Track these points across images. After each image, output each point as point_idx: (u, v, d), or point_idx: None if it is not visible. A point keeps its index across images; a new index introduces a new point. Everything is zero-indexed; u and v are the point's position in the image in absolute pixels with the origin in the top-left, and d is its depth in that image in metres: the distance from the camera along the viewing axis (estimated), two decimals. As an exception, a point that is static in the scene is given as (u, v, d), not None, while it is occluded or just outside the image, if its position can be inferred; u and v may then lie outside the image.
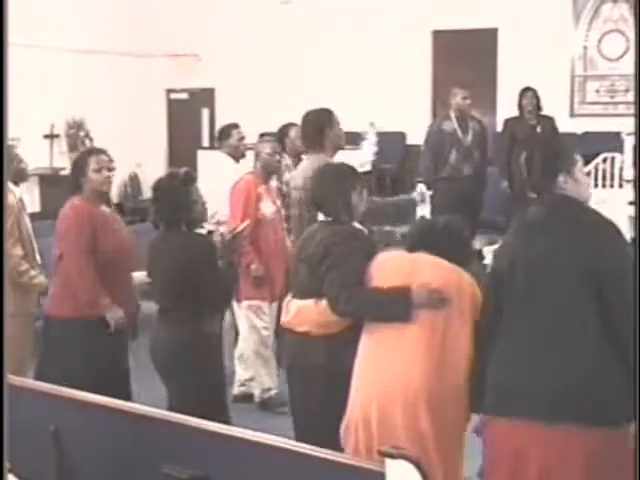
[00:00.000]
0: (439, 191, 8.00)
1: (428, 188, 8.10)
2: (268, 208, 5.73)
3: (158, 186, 4.33)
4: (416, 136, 9.31)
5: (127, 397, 4.25)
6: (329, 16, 12.43)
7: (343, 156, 5.20)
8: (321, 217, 3.92)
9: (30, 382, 3.07)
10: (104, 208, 4.64)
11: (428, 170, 8.10)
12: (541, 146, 3.32)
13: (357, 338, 3.51)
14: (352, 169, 3.96)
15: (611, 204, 7.83)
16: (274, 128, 6.73)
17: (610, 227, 3.08)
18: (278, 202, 5.87)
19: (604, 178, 9.35)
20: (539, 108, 8.64)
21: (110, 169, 4.61)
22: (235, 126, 6.76)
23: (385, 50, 12.06)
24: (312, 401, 3.73)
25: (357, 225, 3.84)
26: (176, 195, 4.21)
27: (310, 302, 3.69)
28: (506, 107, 9.92)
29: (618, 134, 9.80)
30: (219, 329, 5.80)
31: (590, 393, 2.94)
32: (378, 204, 5.49)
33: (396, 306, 3.40)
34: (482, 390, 3.15)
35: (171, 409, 3.61)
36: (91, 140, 11.95)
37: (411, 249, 3.61)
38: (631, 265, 3.00)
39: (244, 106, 11.76)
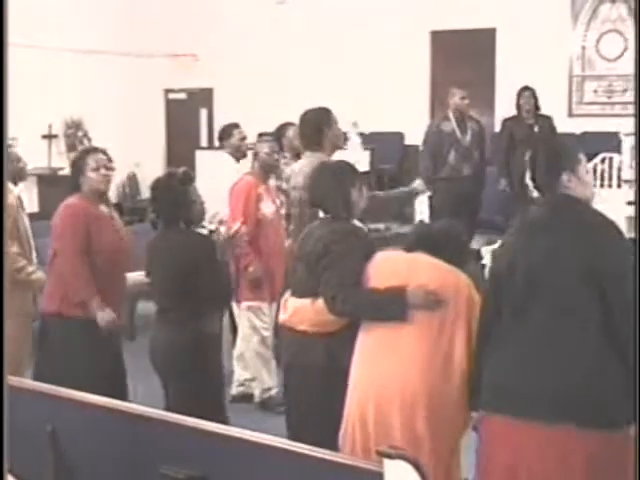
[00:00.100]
0: (438, 191, 8.00)
1: (428, 188, 8.11)
2: (268, 208, 5.73)
3: (156, 186, 4.33)
4: (414, 136, 9.33)
5: (122, 396, 4.25)
6: (327, 16, 12.43)
7: (340, 156, 5.20)
8: (321, 214, 3.92)
9: (27, 382, 3.06)
10: (102, 207, 4.64)
11: (428, 170, 8.10)
12: (545, 144, 3.32)
13: (355, 337, 3.52)
14: (351, 166, 3.96)
15: (609, 204, 7.84)
16: (272, 128, 6.73)
17: (612, 228, 3.08)
18: (278, 201, 5.87)
19: (602, 178, 9.35)
20: (537, 107, 8.64)
21: (108, 168, 4.61)
22: (236, 126, 6.77)
23: (383, 50, 12.06)
24: (309, 399, 3.73)
25: (357, 223, 3.84)
26: (174, 195, 4.21)
27: (307, 301, 3.70)
28: (504, 107, 9.93)
29: (616, 134, 9.80)
30: (219, 329, 5.82)
31: (590, 394, 2.94)
32: (379, 198, 5.47)
33: (392, 307, 3.40)
34: (480, 390, 3.16)
35: (169, 409, 3.61)
36: (89, 140, 11.95)
37: (409, 250, 3.62)
38: (632, 266, 3.01)
39: (242, 106, 11.76)
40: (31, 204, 9.45)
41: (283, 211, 5.86)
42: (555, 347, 2.99)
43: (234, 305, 5.81)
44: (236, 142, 6.62)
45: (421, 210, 7.24)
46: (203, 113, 13.76)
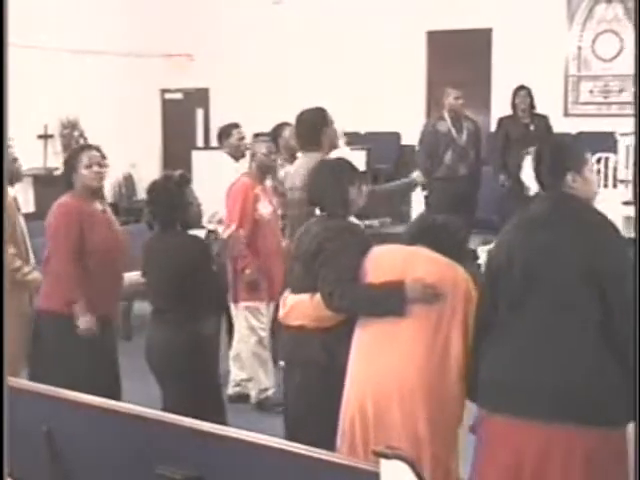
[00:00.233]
0: (435, 191, 8.01)
1: (423, 188, 8.11)
2: (265, 209, 5.73)
3: (153, 188, 4.34)
4: (411, 136, 9.33)
5: (115, 395, 4.25)
6: (323, 16, 12.44)
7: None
8: (318, 212, 3.92)
9: (24, 382, 3.06)
10: (96, 205, 4.64)
11: (424, 170, 8.10)
12: (551, 144, 3.32)
13: (352, 332, 3.52)
14: (350, 164, 3.95)
15: (605, 204, 7.85)
16: (269, 128, 6.73)
17: (611, 227, 3.09)
18: (274, 202, 5.87)
19: (598, 178, 9.35)
20: (532, 107, 8.65)
21: (102, 165, 4.60)
22: (235, 126, 6.78)
23: (380, 50, 12.07)
24: (307, 395, 3.73)
25: (353, 219, 3.84)
26: (171, 197, 4.22)
27: (305, 297, 3.70)
28: (500, 107, 9.93)
29: (612, 134, 9.82)
30: (217, 330, 5.82)
31: (587, 393, 2.94)
32: (379, 191, 5.48)
33: (390, 301, 3.40)
34: (477, 383, 3.17)
35: (165, 410, 3.61)
36: (85, 140, 11.91)
37: (410, 243, 3.62)
38: (630, 266, 3.01)
39: (239, 106, 11.76)
40: (27, 204, 9.45)
41: (279, 211, 5.86)
42: (552, 345, 2.99)
43: (231, 305, 5.81)
44: (235, 142, 6.63)
45: (418, 209, 7.24)
46: (199, 113, 13.76)
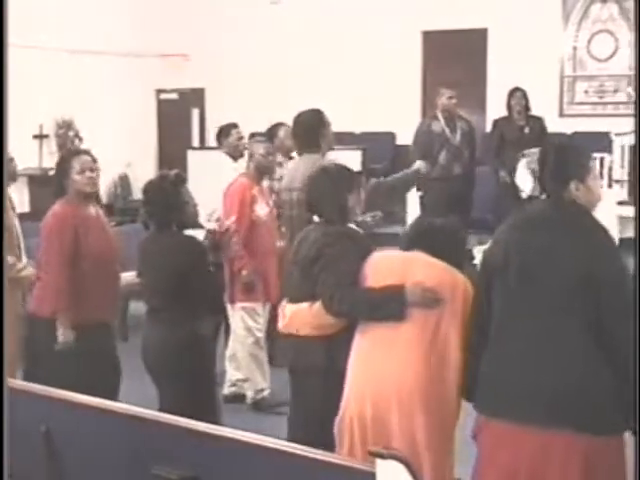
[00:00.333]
0: (429, 191, 8.01)
1: (418, 189, 8.12)
2: (262, 210, 5.72)
3: (149, 188, 4.34)
4: (406, 136, 9.33)
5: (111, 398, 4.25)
6: (319, 17, 12.43)
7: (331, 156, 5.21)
8: (316, 218, 3.92)
9: (20, 383, 3.06)
10: (90, 210, 4.63)
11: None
12: (556, 151, 3.29)
13: (353, 339, 3.52)
14: (349, 171, 3.96)
15: (600, 204, 7.85)
16: (264, 128, 6.74)
17: (606, 234, 3.09)
18: (271, 202, 5.87)
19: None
20: (528, 108, 8.66)
21: (93, 170, 4.59)
22: (234, 126, 6.80)
23: (375, 50, 12.07)
24: (310, 402, 3.74)
25: (352, 226, 3.84)
26: (167, 197, 4.22)
27: (304, 305, 3.70)
28: (495, 107, 9.95)
29: (607, 134, 9.83)
30: (217, 329, 5.82)
31: (584, 398, 2.93)
32: (385, 184, 5.48)
33: (390, 305, 3.40)
34: (475, 384, 3.17)
35: (161, 410, 3.61)
36: (81, 140, 11.91)
37: (407, 248, 3.62)
38: (624, 272, 3.01)
39: (234, 106, 11.76)
40: (22, 204, 9.43)
41: (275, 211, 5.87)
42: (546, 349, 2.99)
43: (228, 306, 5.81)
44: (234, 142, 6.65)
45: (413, 209, 7.23)
46: (195, 113, 13.75)
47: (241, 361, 5.86)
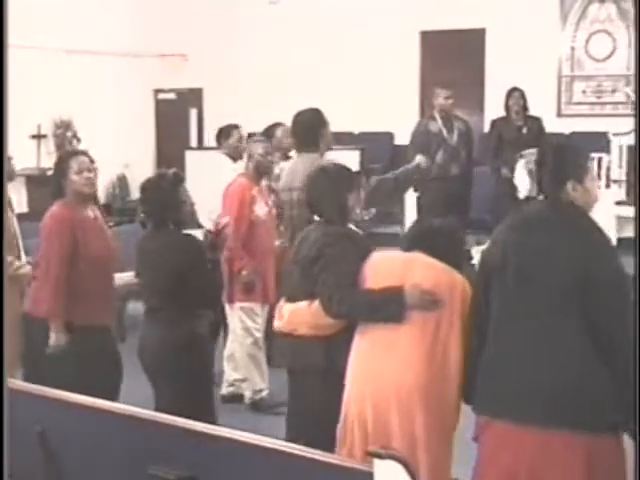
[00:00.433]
0: (427, 192, 8.00)
1: (415, 189, 8.11)
2: (261, 210, 5.72)
3: (146, 187, 4.33)
4: (404, 136, 9.32)
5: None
6: (317, 17, 12.44)
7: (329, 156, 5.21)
8: (316, 218, 3.92)
9: (17, 383, 3.05)
10: (88, 211, 4.62)
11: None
12: (554, 151, 3.29)
13: (352, 339, 3.52)
14: (349, 171, 3.95)
15: (598, 204, 7.85)
16: (262, 128, 6.74)
17: (602, 235, 3.09)
18: (270, 202, 5.86)
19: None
20: (526, 109, 8.66)
21: (91, 170, 4.59)
22: (235, 127, 6.80)
23: (373, 50, 12.08)
24: (309, 403, 3.74)
25: (352, 226, 3.83)
26: (164, 196, 4.21)
27: (303, 304, 3.69)
28: (494, 107, 9.94)
29: (605, 134, 9.84)
30: (216, 330, 5.82)
31: (581, 397, 2.94)
32: (388, 180, 5.48)
33: (389, 307, 3.39)
34: (474, 387, 3.17)
35: (158, 409, 3.60)
36: (79, 140, 11.90)
37: (407, 249, 3.62)
38: (621, 274, 3.02)
39: (232, 106, 11.75)
40: (20, 205, 9.42)
41: (274, 211, 5.86)
42: (544, 349, 2.99)
43: (226, 305, 5.81)
44: (234, 143, 6.65)
45: (411, 210, 7.21)
46: (193, 113, 13.75)
47: (239, 361, 5.85)
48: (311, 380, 3.71)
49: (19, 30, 10.68)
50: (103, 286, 4.57)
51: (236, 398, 5.88)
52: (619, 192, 9.50)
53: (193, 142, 13.51)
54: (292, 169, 5.28)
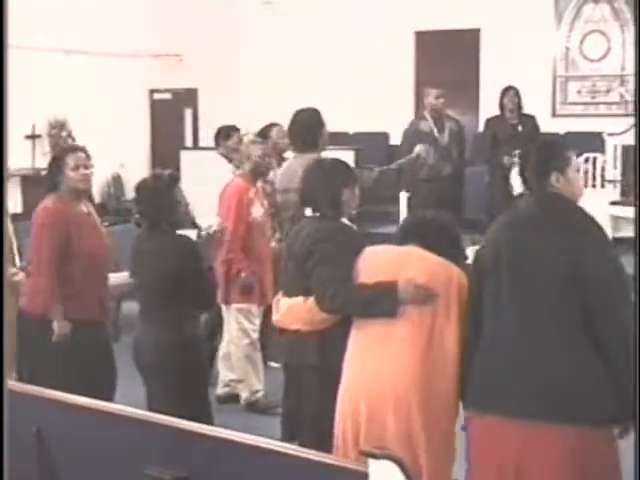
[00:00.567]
0: (418, 192, 7.96)
1: (407, 190, 8.09)
2: (258, 211, 5.71)
3: (141, 187, 4.32)
4: (399, 136, 9.33)
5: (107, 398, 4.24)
6: (312, 17, 12.44)
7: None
8: (308, 212, 3.90)
9: (13, 384, 3.05)
10: (82, 207, 4.62)
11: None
12: (535, 144, 3.35)
13: (347, 334, 3.50)
14: (345, 165, 3.93)
15: (593, 204, 7.87)
16: (257, 128, 6.73)
17: (597, 229, 3.11)
18: (265, 203, 5.85)
19: (585, 178, 9.39)
20: (520, 107, 8.66)
21: (87, 167, 4.59)
22: (235, 129, 6.79)
23: (368, 50, 12.08)
24: (304, 397, 3.74)
25: (345, 221, 3.82)
26: (159, 196, 4.21)
27: (299, 299, 3.69)
28: (488, 107, 9.96)
29: (599, 134, 9.85)
30: (215, 329, 5.80)
31: (570, 392, 2.95)
32: (390, 171, 5.47)
33: (383, 302, 3.38)
34: (465, 382, 3.18)
35: (150, 410, 3.60)
36: (73, 140, 11.86)
37: (401, 242, 3.61)
38: (615, 269, 3.03)
39: (227, 106, 11.75)
40: (14, 205, 9.41)
41: (269, 212, 5.86)
42: (536, 345, 3.01)
43: (222, 306, 5.80)
44: (233, 145, 6.63)
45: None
46: (188, 113, 13.74)
47: (236, 362, 5.84)
48: (307, 376, 3.71)
49: (15, 30, 10.68)
50: (96, 282, 4.56)
51: (231, 398, 5.87)
52: (614, 192, 9.52)
53: (188, 142, 13.50)
54: (289, 170, 5.27)
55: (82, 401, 2.48)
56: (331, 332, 3.60)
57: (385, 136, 12.33)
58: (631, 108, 11.08)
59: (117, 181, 13.16)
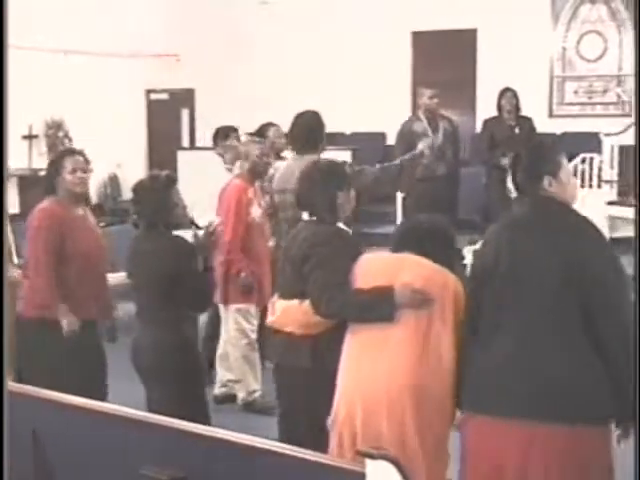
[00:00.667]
0: (413, 193, 7.96)
1: (401, 190, 8.07)
2: (256, 212, 5.71)
3: (139, 188, 4.32)
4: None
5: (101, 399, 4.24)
6: (309, 17, 12.44)
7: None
8: (305, 216, 3.90)
9: (10, 384, 3.05)
10: (78, 210, 4.62)
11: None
12: (527, 148, 3.34)
13: (342, 338, 3.50)
14: (341, 168, 3.92)
15: (590, 204, 7.89)
16: (254, 128, 6.73)
17: (594, 231, 3.11)
18: (263, 203, 5.85)
19: (582, 178, 9.41)
20: (518, 108, 8.66)
21: (85, 171, 4.59)
22: (234, 130, 6.78)
23: (365, 51, 12.09)
24: (297, 400, 3.73)
25: (342, 225, 3.82)
26: (157, 197, 4.20)
27: (294, 302, 3.68)
28: (485, 108, 9.96)
29: (596, 135, 9.86)
30: (214, 329, 5.78)
31: (569, 392, 2.96)
32: (391, 168, 5.45)
33: (379, 307, 3.38)
34: (462, 384, 3.18)
35: (150, 411, 3.60)
36: (70, 140, 11.89)
37: (396, 249, 3.61)
38: (612, 269, 3.03)
39: (224, 107, 11.74)
40: (11, 206, 9.40)
41: (266, 212, 5.85)
42: (536, 347, 3.01)
43: (220, 306, 5.80)
44: (232, 145, 6.63)
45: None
46: (185, 113, 13.75)
47: (233, 362, 5.84)
48: (299, 378, 3.70)
49: (12, 30, 10.67)
50: (92, 284, 4.57)
51: (229, 398, 5.87)
52: (610, 192, 9.53)
53: (185, 142, 13.50)
54: (287, 170, 5.26)
55: (78, 401, 2.48)
56: (325, 336, 3.60)
57: (382, 136, 12.33)
58: (628, 108, 11.10)
59: (114, 181, 13.15)
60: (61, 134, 12.10)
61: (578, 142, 10.14)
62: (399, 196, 8.86)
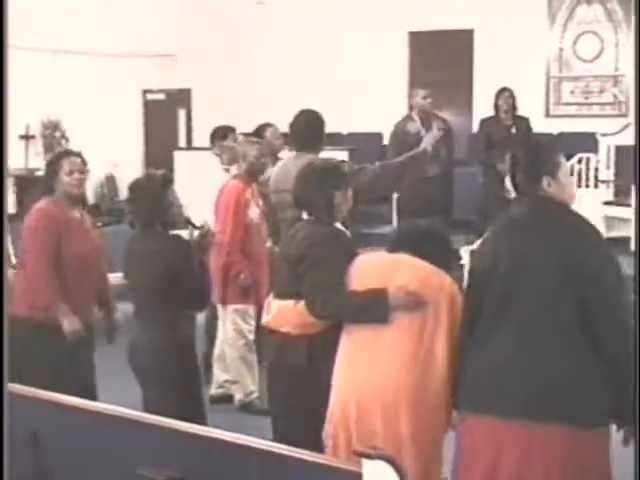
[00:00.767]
0: (407, 193, 7.93)
1: (396, 191, 8.04)
2: (254, 212, 5.70)
3: (135, 187, 4.32)
4: (393, 137, 9.33)
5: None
6: (306, 17, 12.44)
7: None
8: (305, 215, 3.89)
9: (9, 385, 3.05)
10: (75, 212, 4.62)
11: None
12: (525, 149, 3.34)
13: (337, 338, 3.50)
14: (338, 167, 3.91)
15: (586, 204, 7.89)
16: (251, 129, 6.73)
17: (592, 231, 3.11)
18: (260, 203, 5.84)
19: (579, 179, 9.41)
20: (515, 108, 8.67)
21: (82, 172, 4.59)
22: (232, 130, 6.77)
23: (362, 51, 12.08)
24: (291, 401, 3.73)
25: (339, 226, 3.81)
26: (153, 197, 4.20)
27: (290, 302, 3.68)
28: (482, 108, 9.96)
29: (593, 135, 9.87)
30: (214, 329, 5.77)
31: (567, 393, 2.96)
32: (392, 165, 5.43)
33: (374, 309, 3.39)
34: (459, 385, 3.18)
35: (147, 411, 3.60)
36: (67, 140, 11.87)
37: (392, 250, 3.61)
38: (610, 269, 3.03)
39: (221, 107, 11.73)
40: (8, 206, 9.38)
41: (264, 213, 5.85)
42: (534, 347, 3.01)
43: (218, 307, 5.79)
44: (229, 145, 6.62)
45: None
46: (181, 114, 13.73)
47: (231, 363, 5.83)
48: (293, 379, 3.69)
49: (12, 31, 10.65)
50: (87, 285, 4.57)
51: (225, 399, 5.87)
52: (607, 192, 9.53)
53: (182, 142, 13.49)
54: (284, 170, 5.25)
55: (75, 402, 2.48)
56: (320, 336, 3.60)
57: (379, 136, 12.33)
58: (624, 109, 11.11)
59: (110, 181, 13.13)
60: (58, 134, 12.08)
61: (575, 142, 10.14)
62: (394, 196, 8.83)
